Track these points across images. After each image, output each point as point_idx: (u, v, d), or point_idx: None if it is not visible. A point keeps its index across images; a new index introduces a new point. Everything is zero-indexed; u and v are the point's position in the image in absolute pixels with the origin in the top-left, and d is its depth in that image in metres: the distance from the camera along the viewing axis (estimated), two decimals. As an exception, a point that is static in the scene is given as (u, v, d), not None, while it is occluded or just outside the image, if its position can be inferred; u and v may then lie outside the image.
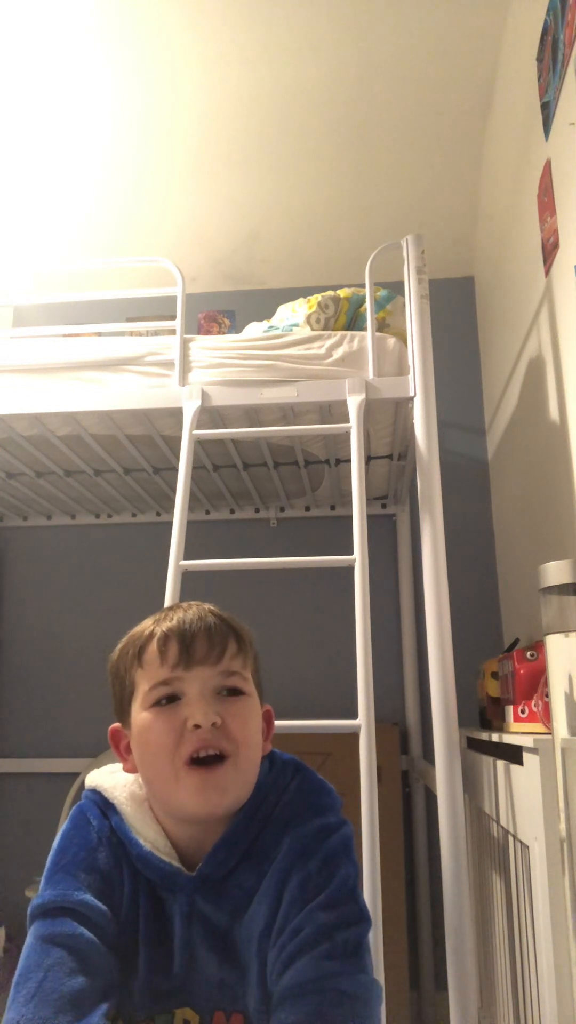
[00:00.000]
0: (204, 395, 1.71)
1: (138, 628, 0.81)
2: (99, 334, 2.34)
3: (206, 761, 0.72)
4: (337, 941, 0.69)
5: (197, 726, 0.72)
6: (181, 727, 0.73)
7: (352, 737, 1.38)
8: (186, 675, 0.75)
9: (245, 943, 0.74)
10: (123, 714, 0.80)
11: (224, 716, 0.74)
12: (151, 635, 0.77)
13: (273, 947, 0.71)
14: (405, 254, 1.74)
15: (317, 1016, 0.64)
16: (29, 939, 0.71)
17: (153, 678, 0.76)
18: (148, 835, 0.77)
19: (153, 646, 0.76)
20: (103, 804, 0.81)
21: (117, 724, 0.82)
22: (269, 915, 0.73)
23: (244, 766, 0.74)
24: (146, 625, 0.80)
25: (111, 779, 0.83)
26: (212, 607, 0.81)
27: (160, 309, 2.64)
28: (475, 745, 1.51)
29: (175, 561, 1.53)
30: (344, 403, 1.68)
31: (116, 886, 0.76)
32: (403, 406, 1.74)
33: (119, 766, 0.84)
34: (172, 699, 0.75)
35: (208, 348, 1.77)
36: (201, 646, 0.76)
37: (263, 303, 2.62)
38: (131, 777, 0.83)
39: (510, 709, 1.33)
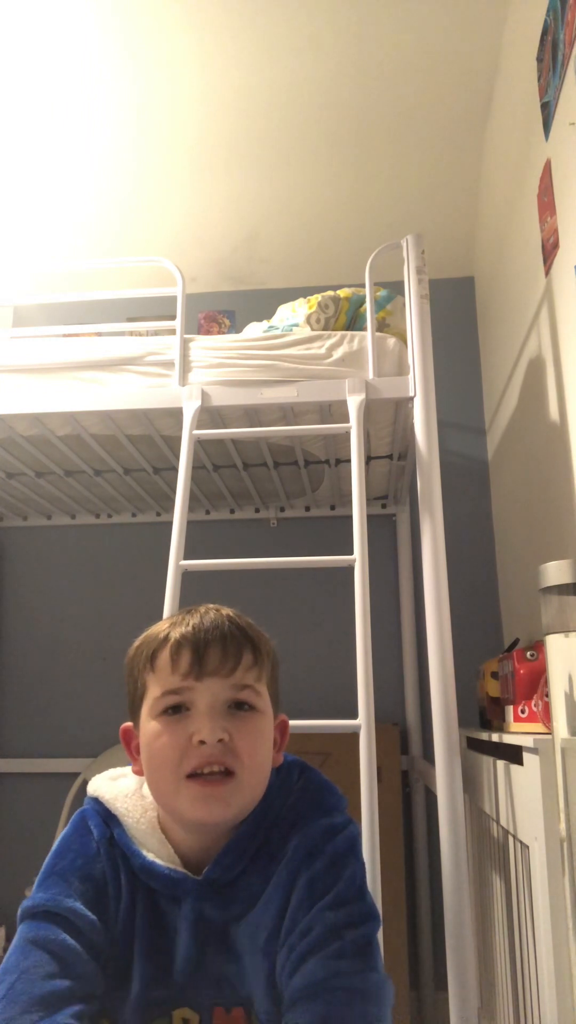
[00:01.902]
0: (204, 395, 1.70)
1: (154, 628, 0.79)
2: (99, 334, 2.34)
3: (209, 776, 0.71)
4: (347, 940, 0.68)
5: (203, 742, 0.71)
6: (187, 741, 0.72)
7: (352, 737, 1.38)
8: (197, 686, 0.73)
9: (247, 940, 0.74)
10: (135, 713, 0.79)
11: (232, 732, 0.72)
12: (165, 639, 0.76)
13: (282, 948, 0.71)
14: (405, 254, 1.74)
15: (329, 1016, 0.64)
16: (15, 939, 0.71)
17: (163, 685, 0.74)
18: (151, 845, 0.77)
19: (166, 652, 0.75)
20: (105, 814, 0.80)
21: (129, 724, 0.81)
22: (277, 916, 0.73)
23: (249, 784, 0.73)
24: (162, 627, 0.78)
25: (113, 788, 0.82)
26: (232, 613, 0.79)
27: (160, 309, 2.64)
28: (475, 745, 1.51)
29: (175, 561, 1.52)
30: (344, 403, 1.68)
31: (112, 898, 0.75)
32: (403, 406, 1.74)
33: (121, 771, 0.84)
34: (181, 709, 0.74)
35: (208, 348, 1.77)
36: (214, 656, 0.74)
37: (263, 303, 2.62)
38: (133, 785, 0.82)
39: (510, 709, 1.33)
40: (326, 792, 0.81)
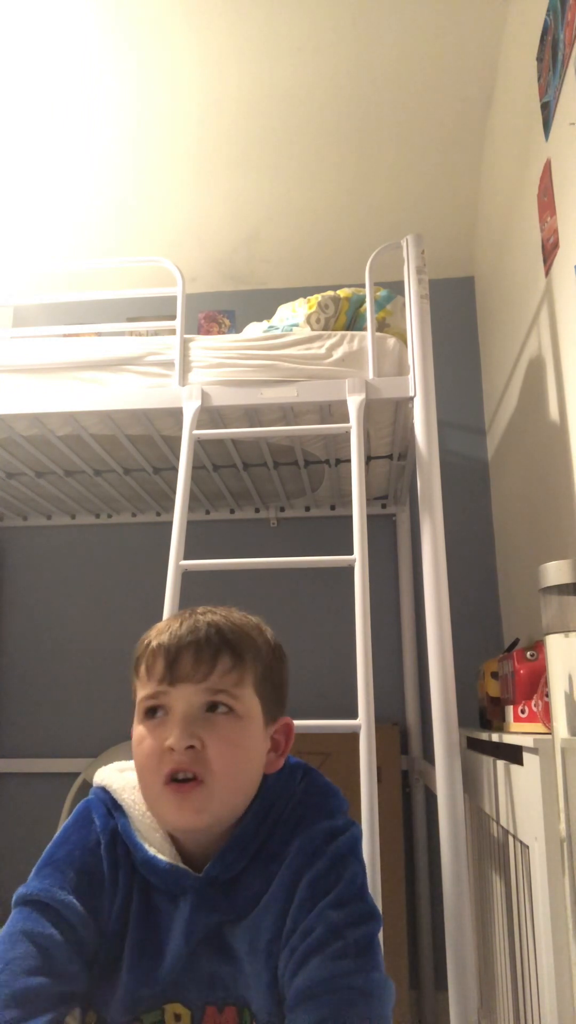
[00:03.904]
0: (204, 395, 1.71)
1: (147, 633, 0.80)
2: (99, 334, 2.34)
3: (182, 782, 0.72)
4: (348, 940, 0.69)
5: (172, 749, 0.72)
6: (163, 746, 0.73)
7: (352, 737, 1.38)
8: (171, 691, 0.74)
9: (246, 941, 0.74)
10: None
11: (205, 738, 0.72)
12: (147, 646, 0.77)
13: (284, 949, 0.71)
14: (405, 254, 1.74)
15: (333, 1016, 0.64)
16: (6, 925, 0.71)
17: (143, 691, 0.76)
18: (154, 839, 0.77)
19: (145, 659, 0.77)
20: (111, 804, 0.81)
21: None
22: (279, 918, 0.73)
23: (220, 791, 0.73)
24: (151, 633, 0.79)
25: (120, 779, 0.83)
26: (221, 616, 0.78)
27: (160, 309, 2.64)
28: (475, 745, 1.51)
29: (175, 561, 1.53)
30: (344, 403, 1.68)
31: (107, 891, 0.76)
32: (403, 406, 1.74)
33: (128, 764, 0.84)
34: (160, 713, 0.75)
35: (208, 348, 1.77)
36: (186, 663, 0.74)
37: (263, 303, 2.62)
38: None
39: (510, 709, 1.33)
40: (328, 795, 0.81)
